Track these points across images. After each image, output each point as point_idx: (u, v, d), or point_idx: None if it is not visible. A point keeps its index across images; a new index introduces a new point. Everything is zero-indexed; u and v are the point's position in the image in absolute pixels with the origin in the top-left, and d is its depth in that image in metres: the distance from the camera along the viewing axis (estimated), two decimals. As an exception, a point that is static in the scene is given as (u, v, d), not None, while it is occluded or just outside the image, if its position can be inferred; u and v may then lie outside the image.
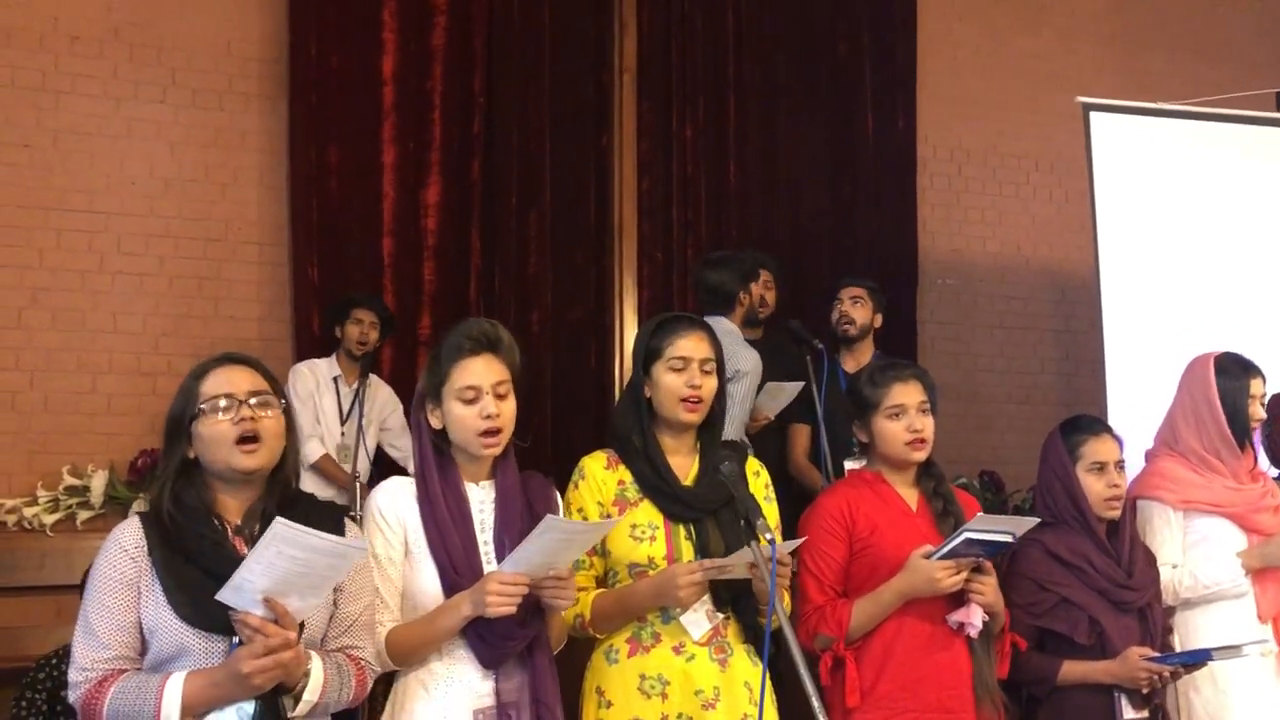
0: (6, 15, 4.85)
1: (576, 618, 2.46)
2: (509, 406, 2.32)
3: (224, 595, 1.91)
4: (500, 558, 2.25)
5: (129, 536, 2.02)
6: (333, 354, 4.92)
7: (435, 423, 2.33)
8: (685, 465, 2.56)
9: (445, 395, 2.30)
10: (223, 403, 2.05)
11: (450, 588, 2.23)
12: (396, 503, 2.31)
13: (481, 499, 2.34)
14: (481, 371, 2.29)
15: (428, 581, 2.25)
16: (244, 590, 1.91)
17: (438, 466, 2.31)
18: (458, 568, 2.24)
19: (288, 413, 2.14)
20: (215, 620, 1.95)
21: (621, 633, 2.47)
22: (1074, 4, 6.84)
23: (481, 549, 2.29)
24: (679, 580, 2.34)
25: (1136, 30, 6.91)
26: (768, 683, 2.35)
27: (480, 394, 2.28)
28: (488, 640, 2.21)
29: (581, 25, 5.68)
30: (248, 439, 2.04)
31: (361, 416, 4.82)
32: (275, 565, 1.89)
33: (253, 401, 2.06)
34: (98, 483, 4.75)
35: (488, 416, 2.27)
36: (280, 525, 1.87)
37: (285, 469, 2.13)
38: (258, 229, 5.21)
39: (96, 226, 4.94)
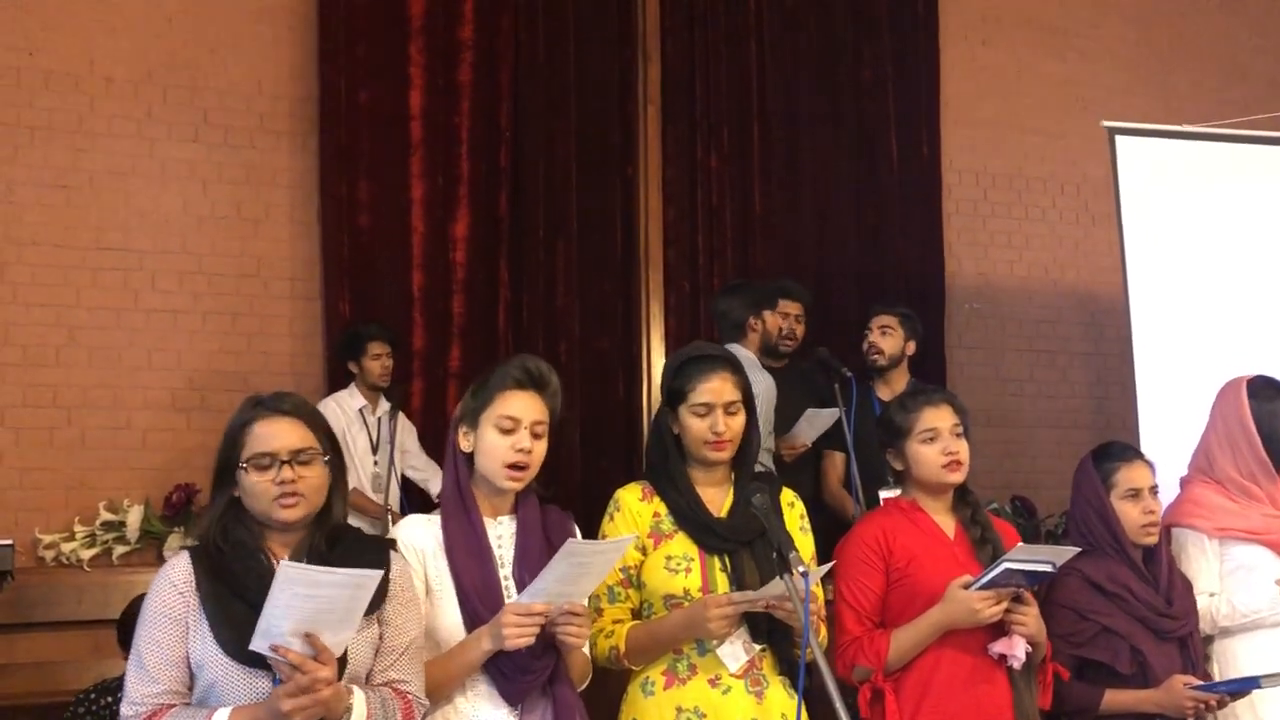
0: (44, 60, 4.95)
1: (612, 650, 2.46)
2: (541, 447, 2.33)
3: (255, 644, 1.92)
4: (519, 592, 2.25)
5: (178, 572, 2.04)
6: (350, 385, 4.96)
7: (465, 446, 2.34)
8: (718, 497, 2.56)
9: (483, 421, 2.32)
10: (264, 461, 2.06)
11: (472, 622, 2.24)
12: (417, 540, 2.31)
13: (500, 533, 2.35)
14: (525, 406, 2.32)
15: (449, 617, 2.26)
16: (272, 634, 1.92)
17: (464, 495, 2.33)
18: (481, 601, 2.24)
19: (333, 463, 2.14)
20: (258, 656, 1.96)
21: (657, 665, 2.47)
22: (1098, 27, 6.84)
23: (502, 583, 2.29)
24: (710, 612, 2.34)
25: (1161, 52, 6.89)
26: (804, 715, 2.35)
27: (518, 426, 2.30)
28: (507, 675, 2.22)
29: (605, 58, 5.73)
30: (286, 496, 2.06)
31: (394, 448, 4.86)
32: (294, 606, 1.89)
33: (297, 460, 2.07)
34: (133, 518, 4.79)
35: (520, 450, 2.29)
36: (286, 567, 1.89)
37: (331, 515, 2.14)
38: (289, 265, 5.27)
39: (131, 265, 5.01)
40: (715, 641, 2.42)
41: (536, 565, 2.22)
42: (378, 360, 4.92)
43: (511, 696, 2.23)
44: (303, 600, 1.89)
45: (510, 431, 2.30)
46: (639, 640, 2.46)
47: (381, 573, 2.02)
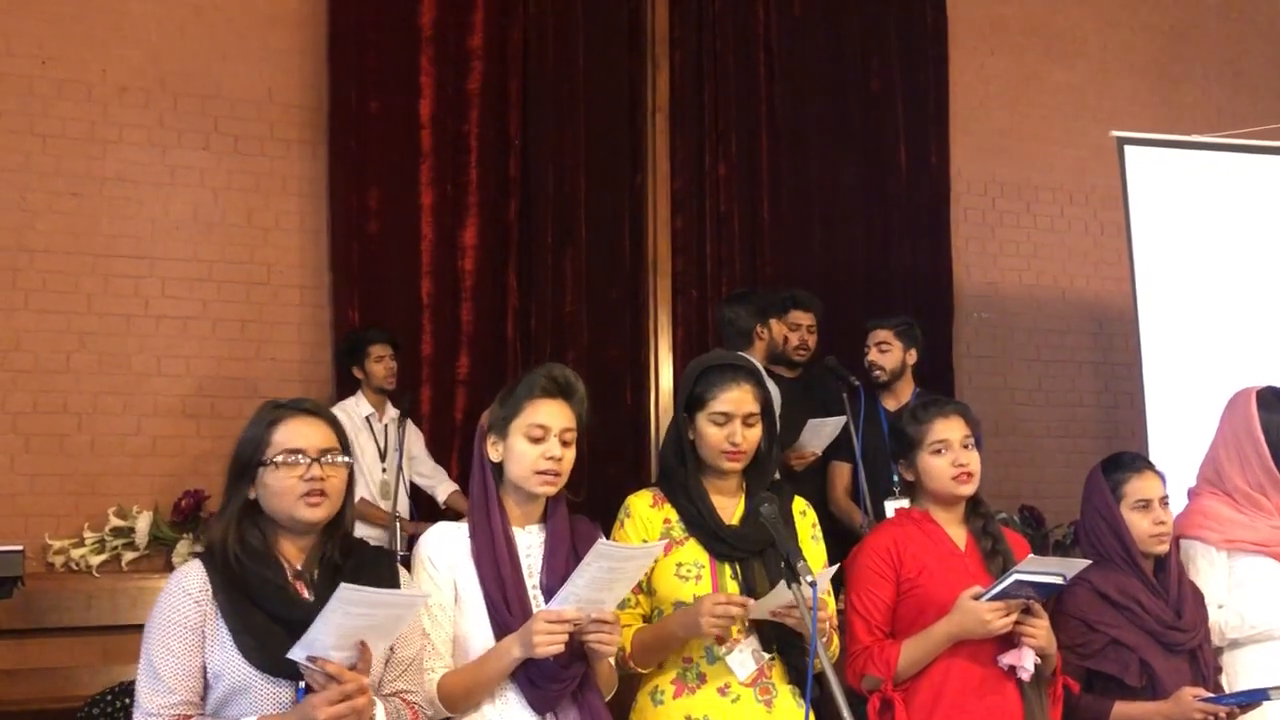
0: (57, 69, 4.97)
1: (619, 650, 2.45)
2: (571, 454, 2.35)
3: (295, 653, 1.93)
4: (547, 601, 2.26)
5: (192, 580, 2.03)
6: (357, 393, 4.97)
7: (494, 455, 2.35)
8: (730, 505, 2.56)
9: (512, 430, 2.33)
10: (294, 458, 2.06)
11: (501, 630, 2.24)
12: (445, 549, 2.32)
13: (529, 543, 2.36)
14: (553, 414, 2.33)
15: (478, 626, 2.27)
16: (315, 647, 1.93)
17: (492, 504, 2.34)
18: (509, 609, 2.25)
19: (350, 468, 2.16)
20: (282, 665, 1.96)
21: (667, 673, 2.48)
22: (1107, 37, 6.84)
23: (529, 592, 2.30)
24: (704, 606, 2.34)
25: (1170, 62, 6.90)
26: (812, 724, 2.35)
27: (548, 434, 2.31)
28: (536, 683, 2.23)
29: (614, 66, 5.75)
30: (313, 493, 2.06)
31: (401, 455, 4.86)
32: (344, 624, 1.91)
33: (323, 460, 2.08)
34: (143, 524, 4.81)
35: (550, 458, 2.30)
36: (346, 590, 1.89)
37: (344, 520, 2.15)
38: (299, 272, 5.29)
39: (142, 271, 5.03)
40: (725, 650, 2.43)
41: (563, 575, 2.23)
42: (380, 362, 4.93)
43: (540, 704, 2.24)
44: (355, 619, 1.91)
45: (540, 440, 2.31)
46: (643, 640, 2.46)
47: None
